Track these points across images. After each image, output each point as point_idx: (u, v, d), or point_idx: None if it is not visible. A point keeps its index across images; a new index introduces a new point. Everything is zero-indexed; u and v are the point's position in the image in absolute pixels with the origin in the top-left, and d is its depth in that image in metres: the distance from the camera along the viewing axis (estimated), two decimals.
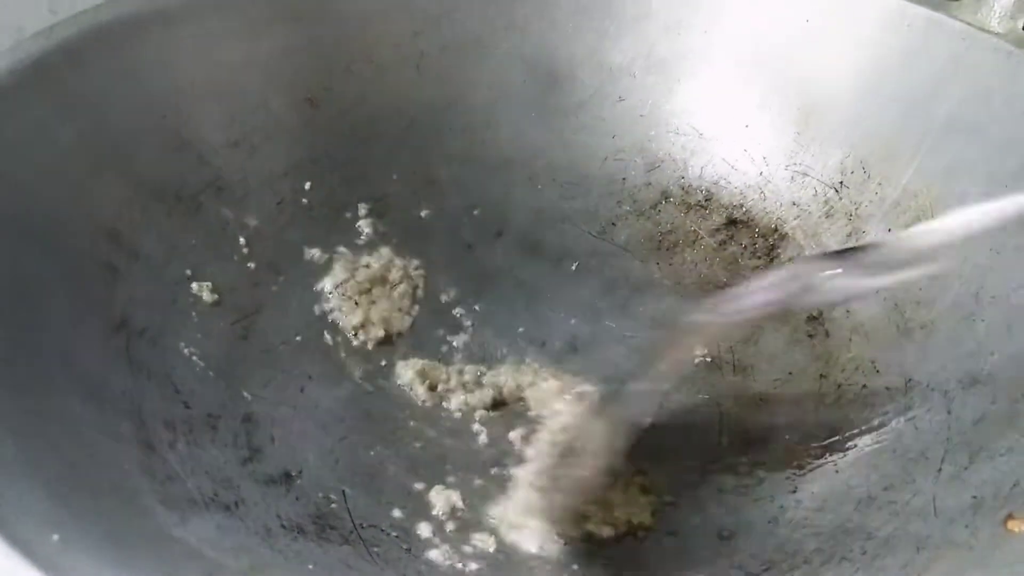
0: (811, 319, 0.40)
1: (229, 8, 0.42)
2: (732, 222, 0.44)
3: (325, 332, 0.40)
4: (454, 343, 0.41)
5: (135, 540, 0.27)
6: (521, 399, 0.39)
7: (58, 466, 0.28)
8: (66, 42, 0.37)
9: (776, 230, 0.43)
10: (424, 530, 0.33)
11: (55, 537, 0.24)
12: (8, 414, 0.28)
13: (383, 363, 0.40)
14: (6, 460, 0.26)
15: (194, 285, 0.38)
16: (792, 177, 0.43)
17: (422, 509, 0.34)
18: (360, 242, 0.43)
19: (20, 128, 0.35)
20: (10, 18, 0.42)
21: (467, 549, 0.32)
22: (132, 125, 0.38)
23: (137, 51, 0.39)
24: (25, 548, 0.22)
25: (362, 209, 0.44)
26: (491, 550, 0.33)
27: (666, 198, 0.45)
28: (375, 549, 0.32)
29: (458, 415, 0.38)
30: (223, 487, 0.32)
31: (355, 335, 0.40)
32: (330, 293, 0.41)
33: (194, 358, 0.36)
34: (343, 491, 0.34)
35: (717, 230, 0.44)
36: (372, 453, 0.36)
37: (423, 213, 0.45)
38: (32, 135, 0.35)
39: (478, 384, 0.39)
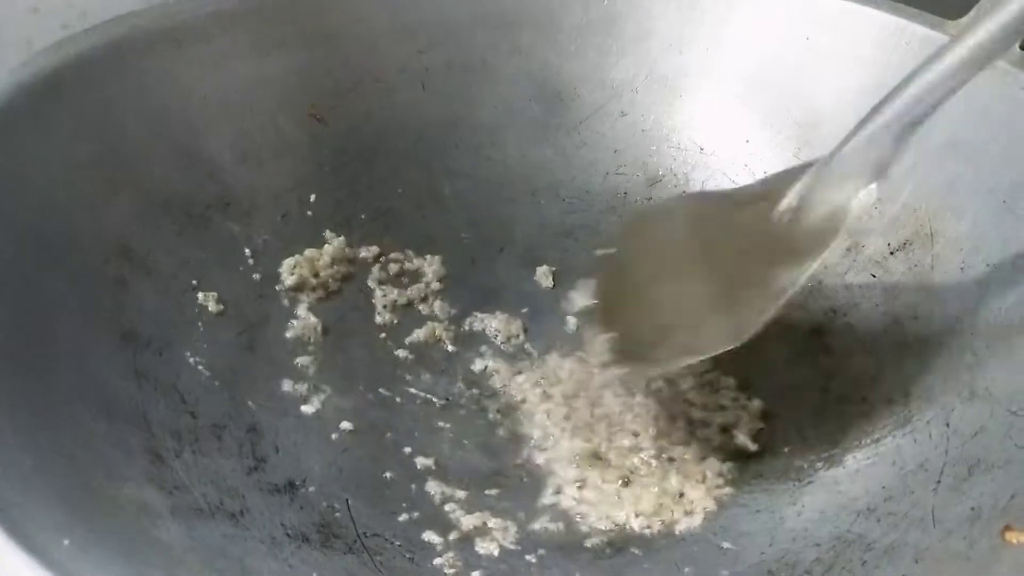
0: (813, 333, 0.41)
1: (238, 26, 0.42)
2: None
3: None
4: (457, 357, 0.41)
5: (145, 549, 0.28)
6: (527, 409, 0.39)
7: (70, 476, 0.28)
8: (77, 57, 0.38)
9: None
10: (427, 539, 0.33)
11: (66, 542, 0.24)
12: (22, 425, 0.28)
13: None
14: (22, 471, 0.26)
15: (200, 295, 0.38)
16: None
17: (425, 518, 0.34)
18: (364, 255, 0.44)
19: (31, 143, 0.35)
20: (19, 32, 0.42)
21: (471, 557, 0.33)
22: (142, 140, 0.39)
23: (148, 67, 0.40)
24: (42, 556, 0.23)
25: (367, 223, 0.44)
26: (495, 555, 0.33)
27: None
28: (378, 558, 0.32)
29: (463, 427, 0.38)
30: (229, 496, 0.32)
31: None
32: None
33: (200, 368, 0.37)
34: (347, 500, 0.34)
35: None
36: (375, 463, 0.36)
37: (427, 227, 0.45)
38: (43, 150, 0.35)
39: (482, 399, 0.40)
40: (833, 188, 0.35)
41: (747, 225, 0.37)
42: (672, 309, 0.37)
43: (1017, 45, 0.40)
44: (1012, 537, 0.29)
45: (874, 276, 0.40)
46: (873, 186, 0.34)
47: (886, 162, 0.34)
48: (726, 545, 0.33)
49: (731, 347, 0.34)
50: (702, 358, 0.36)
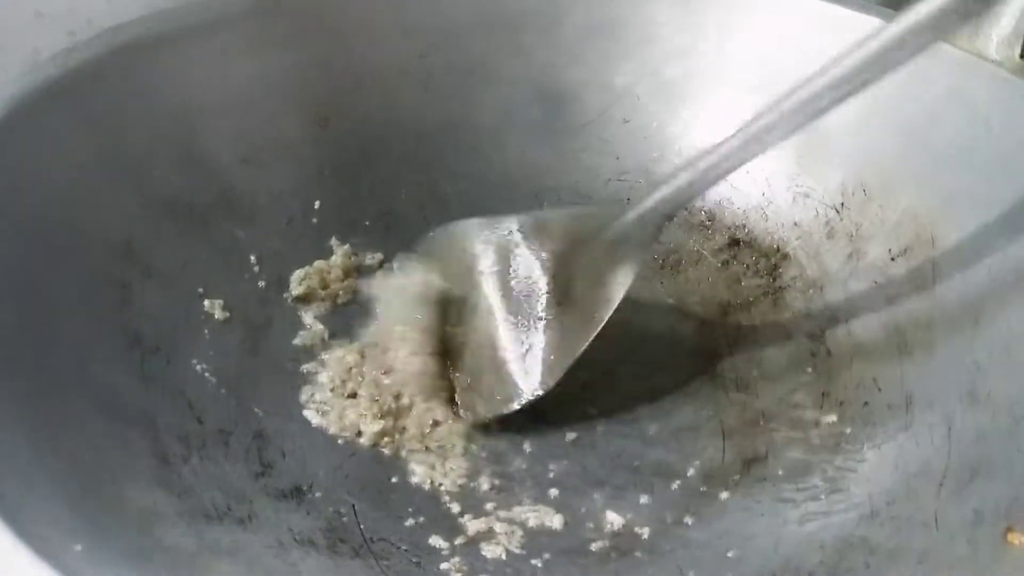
0: (813, 337, 0.41)
1: (240, 29, 0.43)
2: (735, 242, 0.45)
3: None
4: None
5: (154, 553, 0.28)
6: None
7: (79, 480, 0.28)
8: (84, 64, 0.38)
9: (778, 250, 0.44)
10: (434, 543, 0.33)
11: (78, 547, 0.24)
12: (31, 430, 0.28)
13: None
14: (32, 475, 0.27)
15: (206, 303, 0.39)
16: (794, 198, 0.44)
17: (431, 523, 0.34)
18: (369, 262, 0.44)
19: (38, 147, 0.35)
20: (24, 37, 0.43)
21: (477, 562, 0.33)
22: (146, 144, 0.39)
23: (152, 71, 0.40)
24: (52, 559, 0.23)
25: (370, 227, 0.44)
26: (502, 559, 0.33)
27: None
28: (385, 562, 0.32)
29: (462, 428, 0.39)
30: (236, 501, 0.33)
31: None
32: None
33: (206, 374, 0.37)
34: (353, 505, 0.34)
35: (720, 250, 0.45)
36: (380, 468, 0.36)
37: (430, 230, 0.45)
38: (49, 154, 0.36)
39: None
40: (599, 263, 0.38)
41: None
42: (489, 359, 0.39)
43: (1017, 53, 0.41)
44: (1014, 539, 0.29)
45: (875, 282, 0.40)
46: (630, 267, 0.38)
47: (646, 243, 0.38)
48: (730, 550, 0.34)
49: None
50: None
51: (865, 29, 0.42)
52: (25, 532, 0.24)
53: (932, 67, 0.41)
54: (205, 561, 0.29)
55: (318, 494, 0.35)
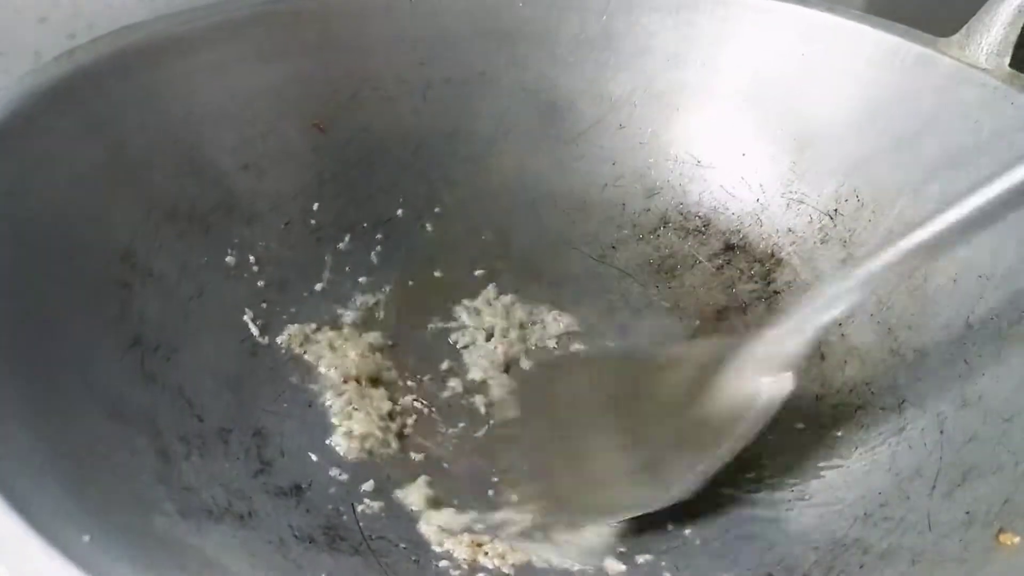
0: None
1: (242, 37, 0.43)
2: (730, 247, 0.46)
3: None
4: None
5: (158, 549, 0.28)
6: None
7: (83, 477, 0.28)
8: (84, 67, 0.38)
9: (772, 255, 0.45)
10: (432, 542, 0.34)
11: (86, 538, 0.25)
12: (37, 429, 0.28)
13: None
14: (39, 471, 0.27)
15: (205, 303, 0.39)
16: (788, 204, 0.45)
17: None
18: (366, 264, 0.44)
19: (40, 151, 0.35)
20: (27, 42, 0.43)
21: (476, 560, 0.33)
22: (147, 148, 0.39)
23: (153, 76, 0.40)
24: (62, 549, 0.23)
25: (368, 231, 0.45)
26: (502, 557, 0.33)
27: (665, 223, 0.47)
28: (385, 560, 0.33)
29: (460, 428, 0.39)
30: (236, 498, 0.33)
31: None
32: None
33: (206, 374, 0.37)
34: (351, 503, 0.35)
35: (715, 255, 0.46)
36: (378, 467, 0.37)
37: (427, 237, 0.46)
38: (51, 158, 0.36)
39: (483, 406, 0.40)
40: (747, 372, 0.35)
41: (664, 392, 0.38)
42: (597, 466, 0.37)
43: (1006, 62, 0.41)
44: (1005, 539, 0.29)
45: None
46: (788, 375, 0.35)
47: (798, 354, 0.35)
48: (725, 549, 0.34)
49: (652, 510, 0.35)
50: (625, 517, 0.35)
51: (854, 39, 0.44)
52: (36, 524, 0.24)
53: (924, 76, 0.42)
54: (207, 557, 0.29)
55: (317, 492, 0.35)
